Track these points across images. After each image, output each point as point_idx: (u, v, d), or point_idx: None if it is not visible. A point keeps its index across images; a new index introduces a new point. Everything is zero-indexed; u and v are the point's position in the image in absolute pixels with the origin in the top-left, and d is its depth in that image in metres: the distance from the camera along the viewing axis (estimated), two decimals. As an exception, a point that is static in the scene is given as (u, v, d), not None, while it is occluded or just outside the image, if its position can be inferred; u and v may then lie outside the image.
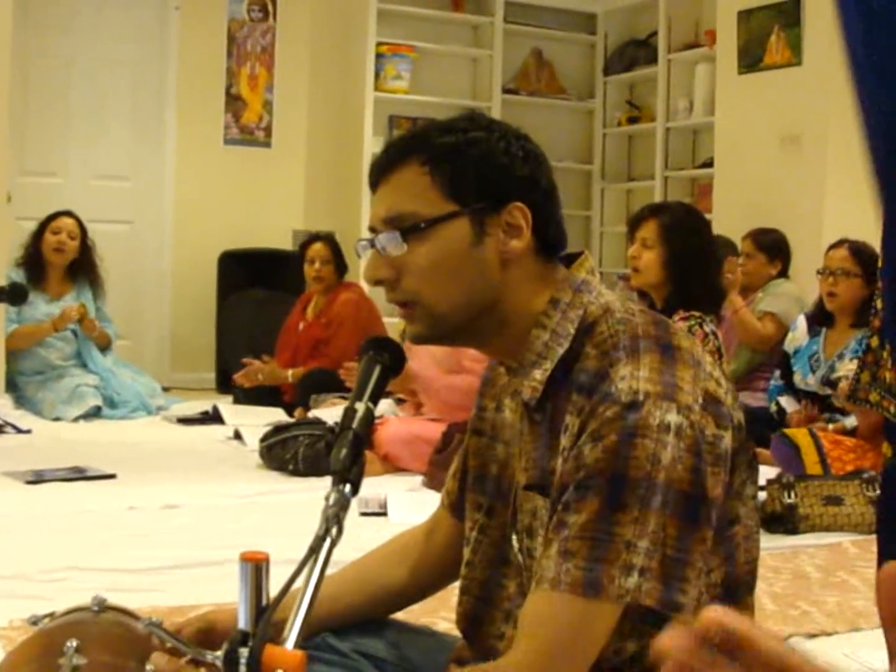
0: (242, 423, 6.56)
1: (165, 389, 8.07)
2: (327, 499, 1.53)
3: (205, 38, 9.11)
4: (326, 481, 4.86)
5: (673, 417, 1.56)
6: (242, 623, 1.36)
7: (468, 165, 1.71)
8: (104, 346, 7.58)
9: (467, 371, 5.49)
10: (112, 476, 5.32)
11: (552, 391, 1.70)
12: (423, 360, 5.61)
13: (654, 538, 1.54)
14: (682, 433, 1.56)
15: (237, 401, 7.57)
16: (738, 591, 1.70)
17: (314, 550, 1.45)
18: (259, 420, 6.54)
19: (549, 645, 1.57)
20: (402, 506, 4.72)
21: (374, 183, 1.79)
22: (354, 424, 1.62)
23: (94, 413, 7.14)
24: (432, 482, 5.20)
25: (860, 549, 4.43)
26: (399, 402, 6.20)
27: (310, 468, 5.44)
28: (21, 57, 7.87)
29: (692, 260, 4.45)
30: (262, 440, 5.72)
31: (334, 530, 1.48)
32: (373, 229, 1.78)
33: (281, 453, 5.58)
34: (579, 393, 1.63)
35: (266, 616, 1.36)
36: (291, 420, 6.40)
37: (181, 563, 3.88)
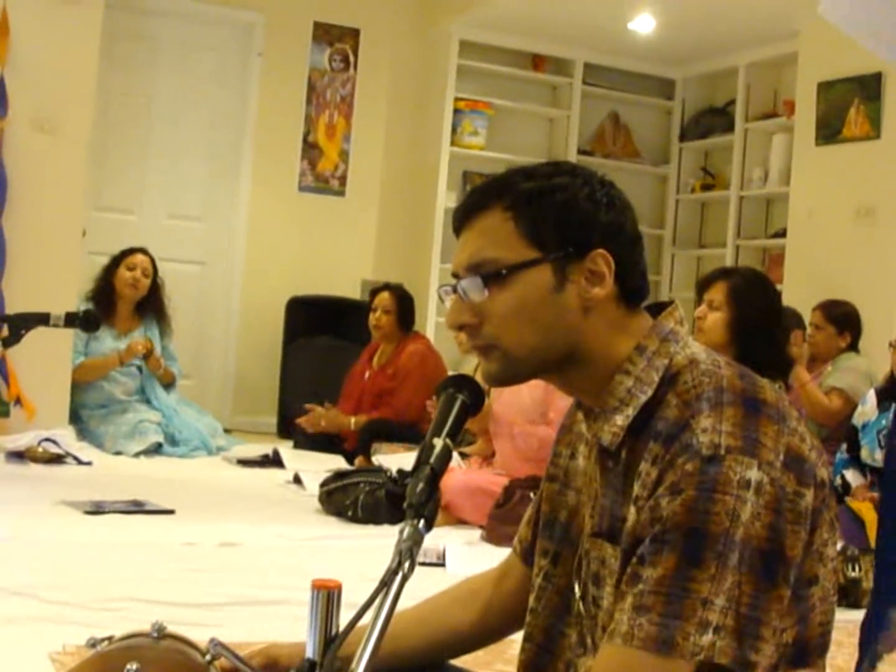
0: (302, 468, 6.55)
1: (226, 431, 8.08)
2: (401, 532, 1.51)
3: (285, 86, 9.19)
4: (385, 529, 4.89)
5: (754, 474, 1.53)
6: (310, 652, 1.35)
7: (551, 211, 1.70)
8: (168, 384, 7.62)
9: (550, 423, 5.46)
10: (171, 511, 5.32)
11: (629, 438, 1.67)
12: (509, 405, 5.59)
13: (729, 595, 1.50)
14: (762, 490, 1.52)
15: (298, 446, 7.57)
16: (809, 653, 1.66)
17: (385, 584, 1.43)
18: (319, 466, 6.54)
19: None
20: (460, 558, 4.69)
21: (458, 228, 1.78)
22: (432, 460, 1.60)
23: (155, 450, 7.17)
24: (491, 536, 5.17)
25: (925, 626, 4.35)
26: (464, 456, 6.18)
27: (369, 515, 5.42)
28: (103, 93, 7.95)
29: (759, 324, 4.39)
30: (323, 485, 5.71)
31: (406, 564, 1.46)
32: (455, 275, 1.77)
33: (341, 499, 5.56)
34: (656, 441, 1.60)
35: (335, 646, 1.34)
36: (351, 468, 6.39)
37: (236, 600, 3.87)
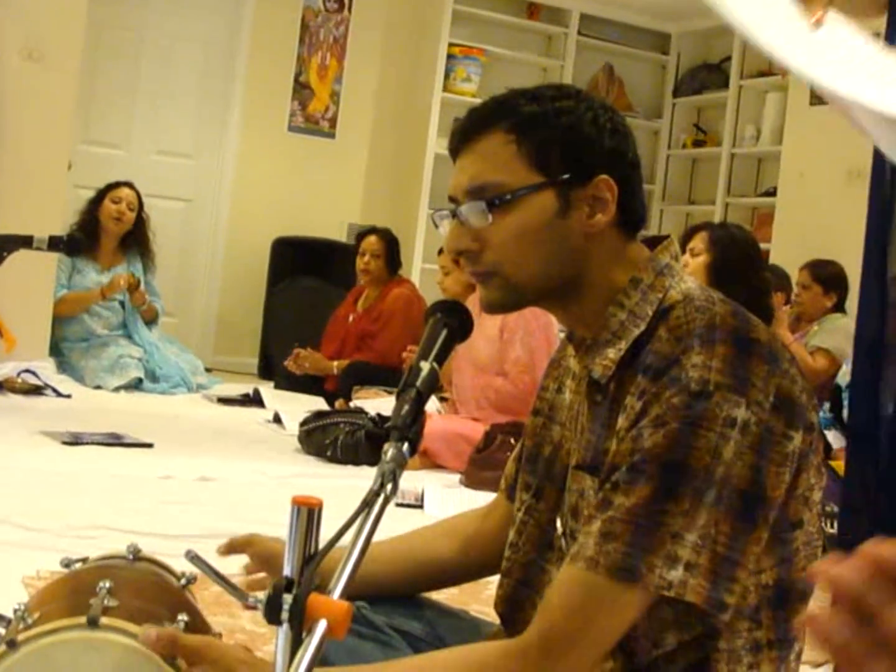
0: (282, 408, 6.54)
1: (207, 370, 8.06)
2: (385, 454, 1.48)
3: (279, 24, 9.11)
4: (363, 470, 4.86)
5: (741, 413, 1.51)
6: (288, 570, 1.32)
7: (555, 135, 1.67)
8: (150, 320, 7.59)
9: (505, 374, 5.49)
10: (149, 445, 5.31)
11: (618, 372, 1.65)
12: (464, 359, 5.60)
13: (703, 533, 1.49)
14: (748, 429, 1.50)
15: (279, 387, 7.56)
16: (791, 596, 1.64)
17: (367, 504, 1.40)
18: (299, 406, 6.52)
19: (576, 623, 1.52)
20: (439, 500, 4.69)
21: (456, 150, 1.74)
22: (418, 383, 1.57)
23: (135, 385, 7.15)
24: (470, 481, 5.17)
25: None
26: (442, 399, 6.16)
27: (348, 456, 5.41)
28: (93, 25, 7.85)
29: (738, 271, 4.44)
30: (303, 424, 5.70)
31: (389, 486, 1.43)
32: (453, 199, 1.73)
33: (320, 438, 5.54)
34: (645, 375, 1.58)
35: (314, 563, 1.31)
36: (332, 409, 6.38)
37: (211, 532, 3.82)
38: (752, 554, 1.53)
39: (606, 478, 1.57)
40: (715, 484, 1.49)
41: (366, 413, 5.68)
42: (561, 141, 1.67)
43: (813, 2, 1.23)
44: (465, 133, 1.73)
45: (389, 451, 1.49)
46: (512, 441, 5.07)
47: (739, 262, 4.46)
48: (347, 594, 1.30)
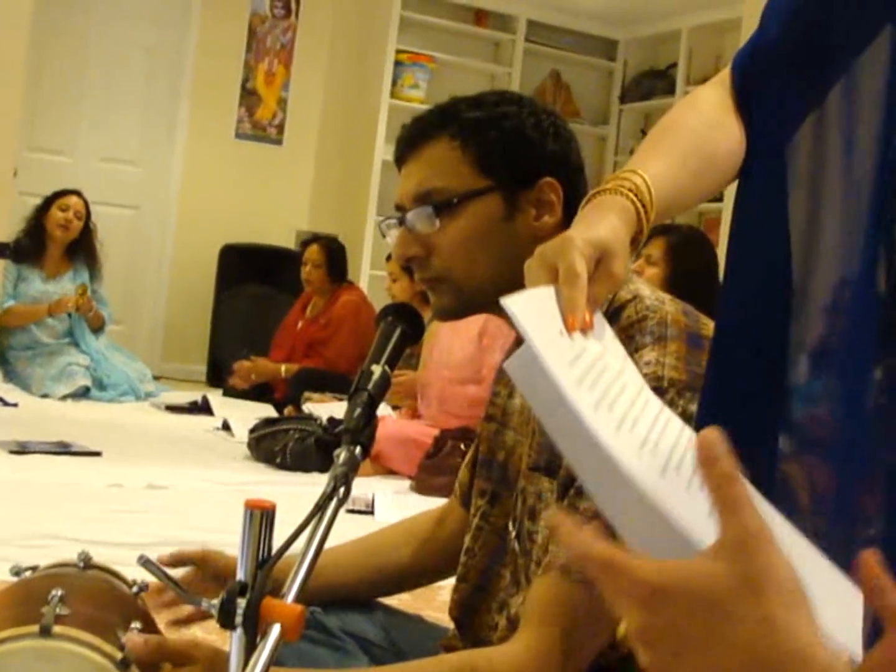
0: (231, 416, 6.51)
1: (156, 378, 8.02)
2: (337, 457, 1.48)
3: (225, 30, 9.09)
4: (313, 477, 4.83)
5: (695, 408, 1.52)
6: (241, 573, 1.31)
7: (499, 140, 1.68)
8: (97, 328, 7.55)
9: (481, 381, 5.47)
10: (97, 454, 5.28)
11: None
12: (439, 363, 5.59)
13: None
14: None
15: (227, 394, 7.55)
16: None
17: (320, 508, 1.40)
18: (248, 414, 6.53)
19: (559, 633, 1.52)
20: (389, 506, 4.69)
21: (401, 158, 1.75)
22: (370, 386, 1.57)
23: (83, 393, 7.11)
24: (420, 486, 5.17)
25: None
26: (395, 408, 6.16)
27: (297, 463, 5.40)
28: (38, 32, 7.81)
29: (696, 281, 4.39)
30: (252, 431, 5.68)
31: (342, 490, 1.43)
32: (400, 207, 1.74)
33: (270, 445, 5.53)
34: None
35: (267, 566, 1.31)
36: (281, 416, 6.37)
37: (162, 540, 3.82)
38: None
39: (570, 483, 1.57)
40: None
41: (315, 419, 5.67)
42: (504, 145, 1.68)
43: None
44: (410, 141, 1.74)
45: (342, 454, 1.49)
46: (462, 447, 5.08)
47: (698, 273, 4.41)
48: (302, 599, 1.30)
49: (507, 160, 1.68)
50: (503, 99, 1.74)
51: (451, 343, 5.50)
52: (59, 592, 1.56)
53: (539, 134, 1.70)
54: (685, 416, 1.51)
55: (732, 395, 1.43)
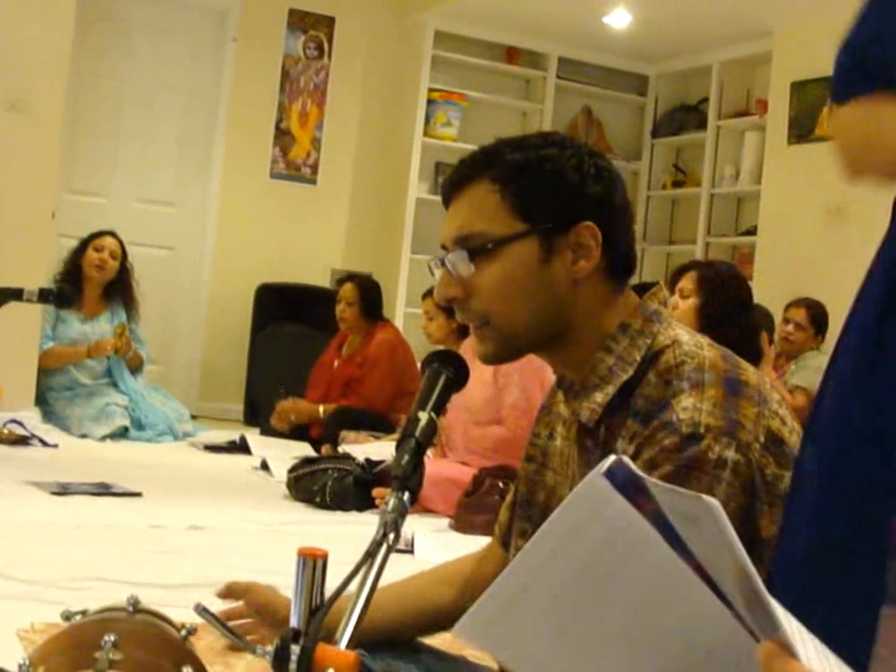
0: (269, 455, 6.53)
1: (193, 417, 8.05)
2: (386, 503, 1.51)
3: (259, 72, 9.16)
4: (353, 515, 4.84)
5: (731, 454, 1.53)
6: (295, 620, 1.34)
7: (539, 183, 1.70)
8: (135, 368, 7.58)
9: (502, 421, 5.48)
10: (138, 494, 5.29)
11: (608, 416, 1.67)
12: (458, 408, 5.59)
13: None
14: (739, 471, 1.53)
15: (265, 433, 7.56)
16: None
17: (370, 555, 1.43)
18: (286, 453, 6.51)
19: None
20: (429, 545, 4.68)
21: (447, 200, 1.77)
22: (417, 433, 1.60)
23: (122, 433, 7.13)
24: (460, 525, 5.16)
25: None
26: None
27: (337, 502, 5.40)
28: (76, 75, 7.90)
29: (728, 313, 4.40)
30: (291, 471, 5.69)
31: (391, 536, 1.46)
32: (444, 247, 1.76)
33: (309, 484, 5.54)
34: (635, 419, 1.61)
35: (321, 614, 1.33)
36: (319, 455, 6.38)
37: (204, 581, 3.82)
38: None
39: None
40: None
41: (353, 459, 5.68)
42: (543, 189, 1.70)
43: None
44: (454, 183, 1.76)
45: (391, 500, 1.51)
46: (500, 485, 5.08)
47: (729, 305, 4.41)
48: (349, 643, 1.32)
49: (545, 204, 1.70)
50: (546, 141, 1.75)
51: (469, 386, 5.50)
52: (112, 638, 1.58)
53: (580, 176, 1.71)
54: (720, 462, 1.53)
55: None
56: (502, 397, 5.47)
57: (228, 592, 1.95)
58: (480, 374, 5.39)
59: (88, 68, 8.55)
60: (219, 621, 1.40)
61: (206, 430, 7.79)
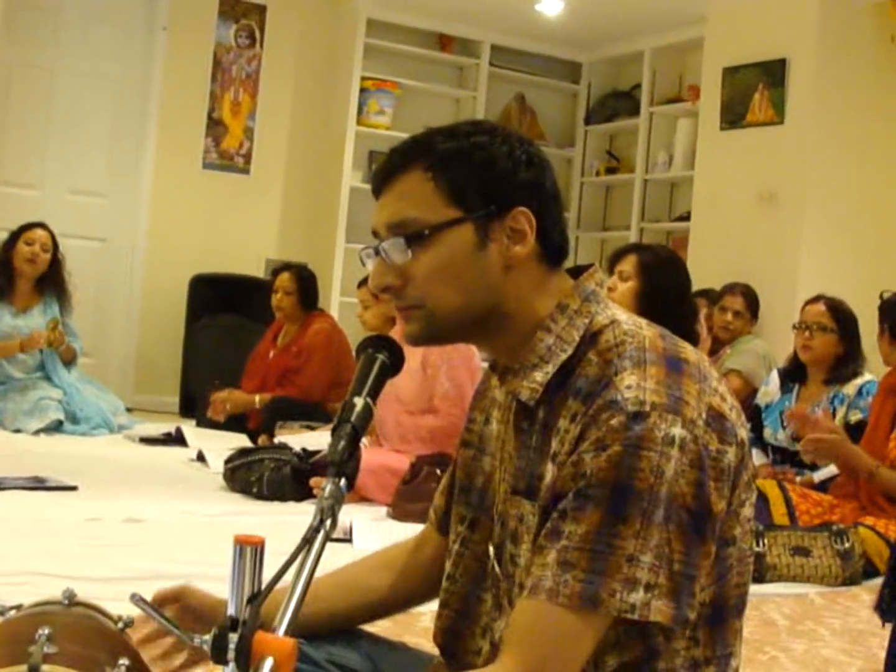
0: (206, 446, 6.50)
1: (128, 410, 8.00)
2: (323, 489, 1.50)
3: (190, 61, 9.09)
4: (290, 506, 4.81)
5: (678, 431, 1.53)
6: (232, 608, 1.33)
7: (471, 171, 1.69)
8: (69, 361, 7.51)
9: (435, 411, 5.49)
10: (73, 488, 5.25)
11: (546, 396, 1.67)
12: (389, 400, 5.58)
13: (658, 553, 1.51)
14: (686, 447, 1.53)
15: (201, 424, 7.52)
16: (726, 612, 1.67)
17: (307, 542, 1.42)
18: (222, 444, 6.50)
19: (543, 656, 1.53)
20: (367, 533, 4.68)
21: (378, 189, 1.76)
22: (353, 418, 1.59)
23: (56, 427, 7.07)
24: (397, 513, 5.16)
25: (827, 601, 4.42)
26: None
27: (274, 492, 5.39)
28: (4, 65, 7.81)
29: (667, 298, 4.41)
30: (227, 462, 5.67)
31: (328, 522, 1.45)
32: (376, 234, 1.75)
33: (245, 475, 5.52)
34: (576, 398, 1.60)
35: (258, 602, 1.32)
36: (256, 445, 6.36)
37: (142, 574, 3.81)
38: (703, 568, 1.56)
39: (552, 506, 1.58)
40: (661, 503, 1.51)
41: (290, 449, 5.66)
42: (476, 176, 1.69)
43: None
44: (385, 172, 1.75)
45: (327, 486, 1.50)
46: (438, 472, 5.08)
47: (669, 290, 4.43)
48: (288, 632, 1.31)
49: (478, 191, 1.69)
50: (477, 129, 1.74)
51: (398, 377, 5.49)
52: (46, 631, 1.57)
53: (512, 163, 1.70)
54: (668, 440, 1.53)
55: None
56: (432, 387, 5.47)
57: (160, 602, 1.92)
58: (408, 364, 5.37)
59: (17, 57, 8.46)
60: (155, 611, 1.39)
61: (142, 422, 7.75)
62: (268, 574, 1.34)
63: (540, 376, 1.68)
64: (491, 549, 1.79)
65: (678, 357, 1.62)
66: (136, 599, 1.36)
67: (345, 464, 1.53)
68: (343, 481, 1.52)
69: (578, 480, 1.55)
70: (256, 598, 1.32)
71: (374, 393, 1.66)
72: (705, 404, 1.58)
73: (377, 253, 1.73)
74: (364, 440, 5.98)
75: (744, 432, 1.64)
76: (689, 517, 1.53)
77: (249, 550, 1.32)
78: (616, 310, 1.72)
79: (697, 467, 1.54)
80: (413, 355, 5.20)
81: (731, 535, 1.64)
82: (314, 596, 1.90)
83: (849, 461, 5.05)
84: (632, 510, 1.51)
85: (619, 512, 1.52)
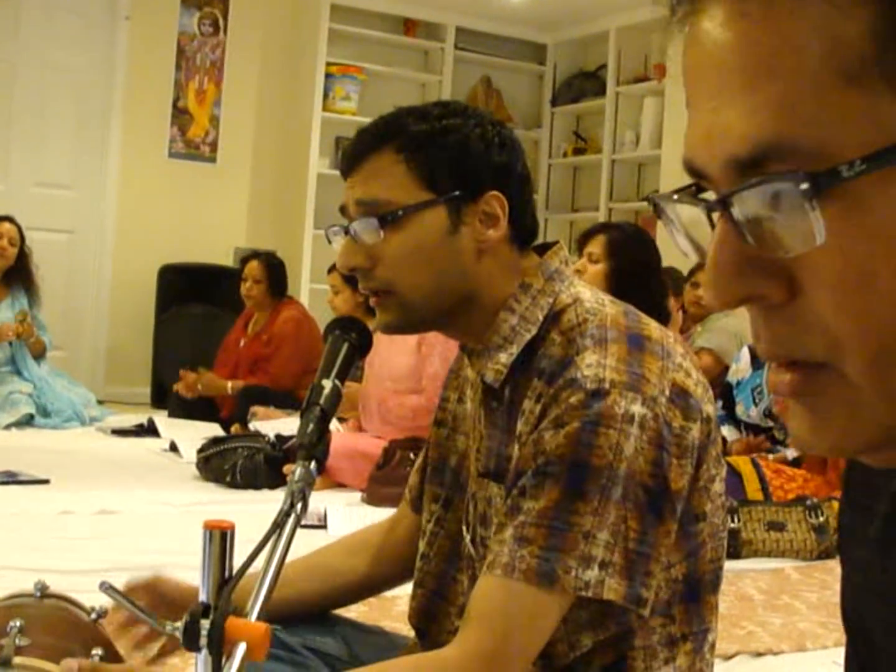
0: (178, 436, 6.48)
1: (100, 402, 7.96)
2: (293, 473, 1.49)
3: (154, 50, 9.04)
4: (265, 493, 4.80)
5: (637, 408, 1.53)
6: (204, 595, 1.31)
7: (444, 153, 1.68)
8: (38, 355, 7.48)
9: (422, 391, 5.47)
10: (45, 481, 5.24)
11: (512, 376, 1.67)
12: (379, 377, 5.57)
13: (614, 530, 1.51)
14: (646, 424, 1.53)
15: (173, 415, 7.50)
16: (701, 588, 1.67)
17: (278, 525, 1.41)
18: (195, 434, 6.47)
19: (499, 633, 1.53)
20: (342, 519, 4.68)
21: (347, 169, 1.74)
22: (321, 401, 1.58)
23: (27, 421, 7.05)
24: (372, 498, 5.16)
25: (802, 574, 4.43)
26: (341, 420, 6.14)
27: (248, 480, 5.38)
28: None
29: (637, 275, 4.43)
30: (200, 451, 5.66)
31: (299, 506, 1.44)
32: (344, 211, 1.73)
33: (219, 464, 5.51)
34: (540, 378, 1.60)
35: (230, 587, 1.31)
36: (229, 434, 6.35)
37: (116, 566, 3.79)
38: (662, 547, 1.56)
39: (513, 483, 1.58)
40: (620, 480, 1.51)
41: (263, 436, 5.65)
42: (449, 158, 1.68)
43: None
44: (356, 153, 1.73)
45: (297, 470, 1.50)
46: (412, 456, 5.07)
47: (638, 268, 4.45)
48: (262, 618, 1.30)
49: (451, 173, 1.68)
50: (448, 111, 1.73)
51: (389, 354, 5.49)
52: (18, 623, 1.56)
53: (484, 146, 1.70)
54: (627, 417, 1.53)
55: None
56: (423, 366, 5.46)
57: (131, 592, 1.90)
58: (404, 342, 5.38)
59: (-23, 51, 8.40)
60: (126, 599, 1.37)
61: (114, 414, 7.74)
62: (240, 561, 1.33)
63: (504, 357, 1.67)
64: (464, 528, 1.79)
65: (640, 334, 1.62)
66: (106, 587, 1.35)
67: (314, 447, 1.53)
68: (313, 464, 1.51)
69: (538, 458, 1.55)
70: (228, 583, 1.31)
71: (343, 375, 1.65)
72: (668, 381, 1.58)
73: (346, 232, 1.72)
74: (339, 426, 6.00)
75: (710, 407, 1.63)
76: (646, 495, 1.53)
77: (219, 535, 1.31)
78: (580, 287, 1.71)
79: (657, 445, 1.54)
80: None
81: (702, 511, 1.64)
82: (287, 582, 1.90)
83: None
84: (590, 487, 1.51)
85: (578, 489, 1.52)
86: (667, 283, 5.23)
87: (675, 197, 0.73)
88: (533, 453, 1.56)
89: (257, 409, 6.59)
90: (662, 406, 1.55)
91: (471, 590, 1.77)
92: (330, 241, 1.78)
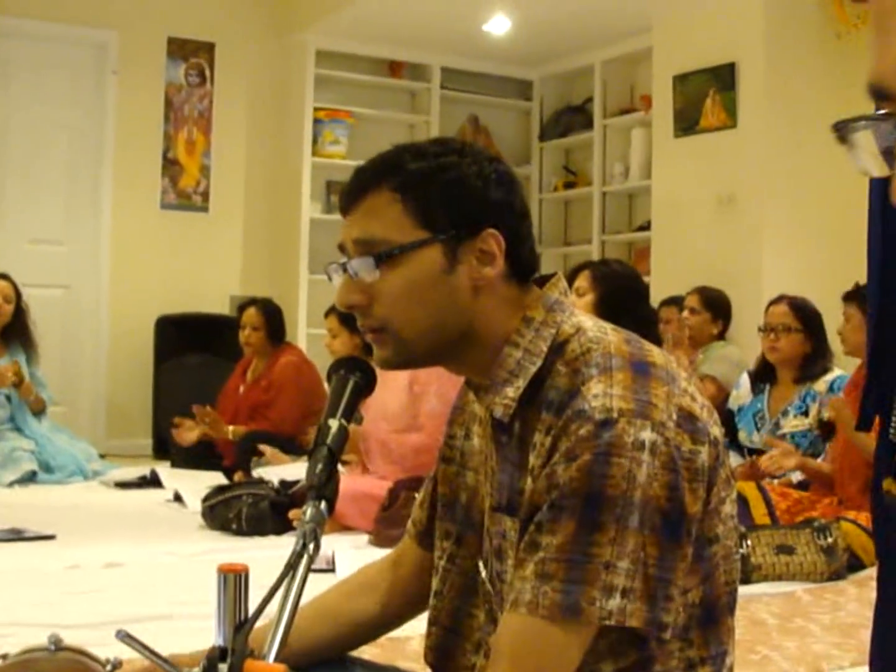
0: (182, 486, 6.47)
1: (102, 456, 7.95)
2: (304, 513, 1.49)
3: (142, 103, 9.09)
4: (271, 540, 4.78)
5: (647, 434, 1.53)
6: (220, 639, 1.31)
7: (440, 192, 1.67)
8: (38, 411, 7.47)
9: (420, 428, 5.47)
10: (51, 537, 5.22)
11: (521, 410, 1.67)
12: (376, 419, 5.57)
13: (633, 558, 1.50)
14: (657, 450, 1.53)
15: (175, 465, 7.49)
16: (717, 611, 1.66)
17: (292, 566, 1.41)
18: (198, 483, 6.46)
19: (531, 669, 1.53)
20: (350, 562, 4.65)
21: (345, 207, 1.75)
22: (329, 441, 1.59)
23: (30, 478, 7.03)
24: (379, 540, 5.15)
25: (813, 596, 4.42)
26: (344, 463, 6.13)
27: (254, 527, 5.37)
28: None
29: (624, 302, 4.48)
30: (205, 500, 5.64)
31: (311, 546, 1.44)
32: (343, 249, 1.74)
33: (224, 512, 5.49)
34: (548, 410, 1.60)
35: (245, 629, 1.31)
36: (232, 482, 6.33)
37: (126, 618, 3.78)
38: (680, 571, 1.55)
39: (528, 518, 1.58)
40: (636, 508, 1.51)
41: (267, 482, 5.64)
42: (445, 197, 1.68)
43: None
44: (353, 193, 1.73)
45: (308, 510, 1.50)
46: (416, 496, 5.06)
47: (624, 297, 4.51)
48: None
49: (447, 212, 1.68)
50: (446, 149, 1.73)
51: (382, 395, 5.48)
52: (34, 678, 1.55)
53: (481, 183, 1.69)
54: (637, 444, 1.53)
55: None
56: (419, 405, 5.46)
57: None
58: (395, 382, 5.38)
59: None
60: (143, 646, 1.37)
61: (116, 467, 7.71)
62: (253, 605, 1.33)
63: (511, 391, 1.67)
64: (481, 564, 1.78)
65: (644, 361, 1.62)
66: (122, 636, 1.35)
67: (324, 486, 1.53)
68: (323, 504, 1.51)
69: (552, 492, 1.54)
70: (244, 625, 1.31)
71: (349, 414, 1.65)
72: (675, 405, 1.58)
73: (345, 270, 1.72)
74: (343, 469, 5.99)
75: (717, 430, 1.63)
76: (663, 520, 1.53)
77: (233, 579, 1.31)
78: (581, 317, 1.71)
79: (670, 469, 1.54)
80: (400, 373, 5.18)
81: (714, 534, 1.63)
82: (300, 626, 1.89)
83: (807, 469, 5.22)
84: (606, 518, 1.51)
85: (594, 520, 1.51)
86: (654, 310, 5.29)
87: (863, 123, 0.84)
88: (547, 487, 1.55)
89: (265, 448, 6.58)
90: (671, 431, 1.55)
91: (487, 625, 1.77)
92: (330, 279, 1.78)
